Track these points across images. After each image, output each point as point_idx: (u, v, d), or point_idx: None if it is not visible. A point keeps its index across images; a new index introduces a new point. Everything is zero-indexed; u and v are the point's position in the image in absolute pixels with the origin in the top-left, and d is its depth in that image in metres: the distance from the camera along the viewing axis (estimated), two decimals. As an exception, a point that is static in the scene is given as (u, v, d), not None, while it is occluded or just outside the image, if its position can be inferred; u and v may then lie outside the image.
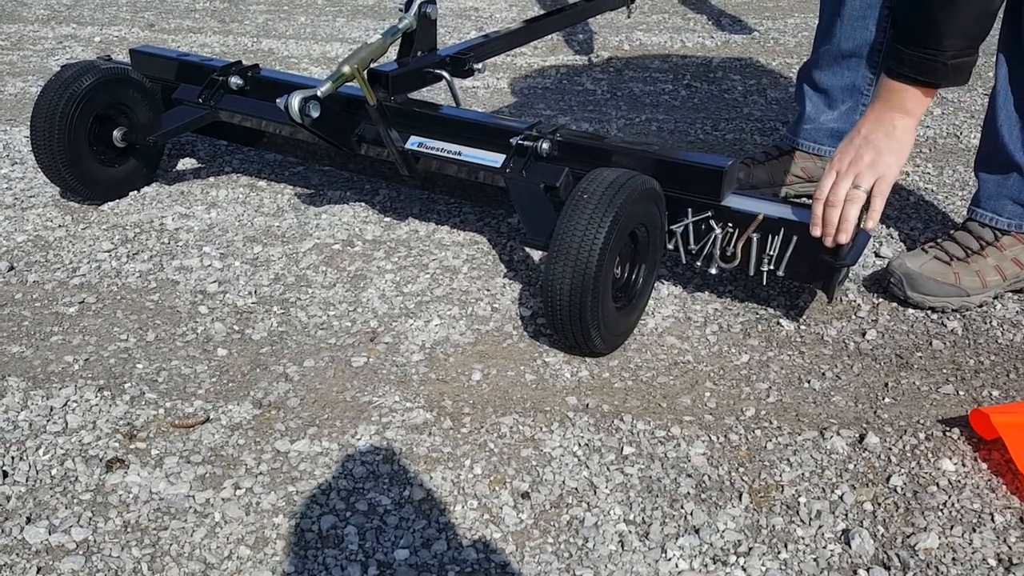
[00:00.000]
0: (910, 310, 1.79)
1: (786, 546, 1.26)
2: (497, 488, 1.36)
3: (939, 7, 1.38)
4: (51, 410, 1.49)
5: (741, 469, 1.40)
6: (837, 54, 2.08)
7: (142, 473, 1.37)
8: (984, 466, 1.40)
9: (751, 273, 1.72)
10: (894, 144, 1.51)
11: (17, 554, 1.23)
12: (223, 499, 1.33)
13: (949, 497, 1.35)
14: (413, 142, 1.90)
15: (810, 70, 2.17)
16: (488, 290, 1.85)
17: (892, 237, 2.07)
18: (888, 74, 1.47)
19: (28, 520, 1.28)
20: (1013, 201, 1.80)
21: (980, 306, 1.79)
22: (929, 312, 1.78)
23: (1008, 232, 1.81)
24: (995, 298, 1.81)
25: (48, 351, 1.65)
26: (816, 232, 1.58)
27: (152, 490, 1.34)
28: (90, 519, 1.29)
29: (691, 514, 1.31)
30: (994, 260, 1.78)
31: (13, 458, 1.39)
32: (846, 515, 1.32)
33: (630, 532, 1.28)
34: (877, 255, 1.98)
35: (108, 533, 1.27)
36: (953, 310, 1.77)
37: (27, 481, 1.35)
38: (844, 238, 1.56)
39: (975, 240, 1.82)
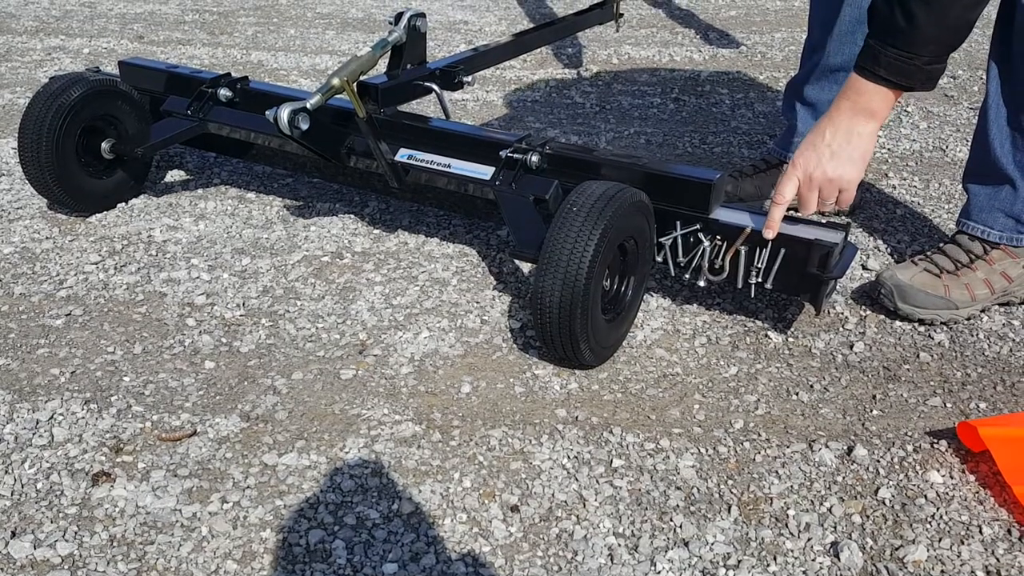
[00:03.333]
0: (897, 322, 1.80)
1: (775, 559, 1.26)
2: (486, 501, 1.35)
3: (924, 13, 1.38)
4: (37, 423, 1.48)
5: (730, 482, 1.40)
6: (826, 68, 2.10)
7: (128, 487, 1.36)
8: (972, 478, 1.41)
9: (739, 286, 1.72)
10: (855, 153, 1.53)
11: (2, 569, 1.22)
12: (210, 513, 1.32)
13: (937, 509, 1.35)
14: (402, 154, 1.91)
15: (799, 84, 2.18)
16: (478, 302, 1.85)
17: (879, 250, 2.08)
18: (860, 72, 1.48)
19: (13, 534, 1.27)
20: (1005, 214, 1.81)
21: (968, 319, 1.80)
22: (916, 325, 1.79)
23: (998, 245, 1.82)
24: (982, 311, 1.82)
25: (34, 364, 1.64)
26: (770, 235, 1.63)
27: (138, 504, 1.33)
28: (76, 533, 1.28)
29: (680, 527, 1.31)
30: (983, 274, 1.79)
31: (-2, 472, 1.38)
32: (835, 527, 1.32)
33: (619, 545, 1.28)
34: (864, 268, 1.99)
35: (94, 547, 1.26)
36: (941, 323, 1.78)
37: (12, 495, 1.34)
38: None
39: (965, 253, 1.82)
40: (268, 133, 2.01)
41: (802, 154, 1.56)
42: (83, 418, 1.50)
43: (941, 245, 1.88)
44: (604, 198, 1.55)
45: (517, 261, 2.00)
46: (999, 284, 1.80)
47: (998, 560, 1.26)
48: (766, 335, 1.76)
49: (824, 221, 1.77)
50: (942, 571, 1.25)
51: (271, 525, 1.30)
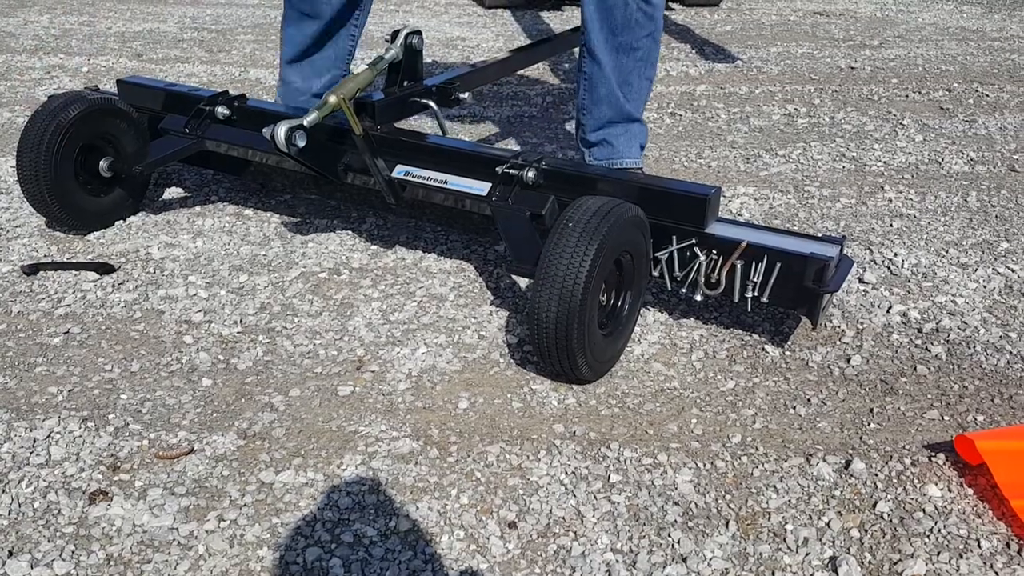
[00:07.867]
0: (895, 335, 1.80)
1: (773, 574, 1.26)
2: (484, 518, 1.35)
3: None
4: (34, 442, 1.48)
5: (728, 496, 1.40)
6: None
7: (125, 505, 1.36)
8: (970, 491, 1.41)
9: (736, 299, 1.72)
10: None
11: (-2, 589, 1.22)
12: (207, 531, 1.32)
13: (935, 523, 1.35)
14: (399, 171, 1.91)
15: None
16: (475, 318, 1.85)
17: (875, 263, 2.08)
18: None
19: (10, 554, 1.27)
20: (640, 145, 2.25)
21: (963, 331, 1.81)
22: (914, 337, 1.79)
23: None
24: (980, 323, 1.83)
25: (32, 382, 1.64)
26: None
27: (135, 522, 1.33)
28: (73, 552, 1.27)
29: (678, 542, 1.31)
30: None
31: (-5, 491, 1.38)
32: (833, 542, 1.31)
33: (617, 561, 1.28)
34: (861, 280, 2.00)
35: (91, 566, 1.25)
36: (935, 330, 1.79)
37: (9, 514, 1.34)
38: None
39: None
40: (265, 151, 2.02)
41: None
42: (80, 436, 1.49)
43: None
44: (600, 213, 1.55)
45: (514, 276, 2.00)
46: None
47: (997, 574, 1.26)
48: (763, 349, 1.76)
49: (820, 235, 1.77)
50: (941, 585, 1.24)
51: (268, 543, 1.30)
